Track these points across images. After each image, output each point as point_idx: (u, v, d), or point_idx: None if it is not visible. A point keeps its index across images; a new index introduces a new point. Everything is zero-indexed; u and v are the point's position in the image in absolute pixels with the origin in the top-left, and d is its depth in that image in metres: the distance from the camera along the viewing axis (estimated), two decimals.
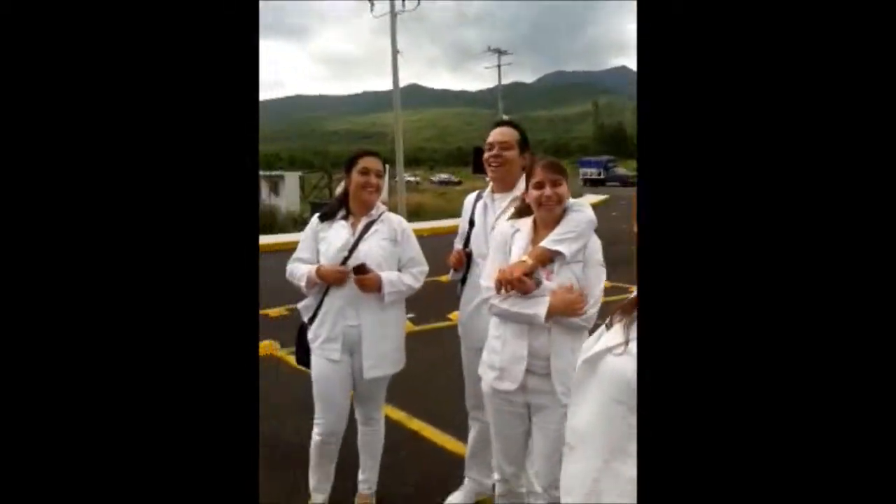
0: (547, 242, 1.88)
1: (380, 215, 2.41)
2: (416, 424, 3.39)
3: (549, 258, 1.88)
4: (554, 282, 1.86)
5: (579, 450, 1.38)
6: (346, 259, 2.31)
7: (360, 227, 2.37)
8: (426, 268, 2.45)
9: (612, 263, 2.25)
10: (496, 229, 2.11)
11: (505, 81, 33.11)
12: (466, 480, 2.58)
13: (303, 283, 2.34)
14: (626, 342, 1.15)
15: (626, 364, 1.19)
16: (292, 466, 2.76)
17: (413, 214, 15.86)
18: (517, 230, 1.99)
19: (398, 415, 3.45)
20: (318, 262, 2.37)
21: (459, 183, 40.28)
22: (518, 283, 1.83)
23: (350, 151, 2.52)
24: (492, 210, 2.35)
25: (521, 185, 2.27)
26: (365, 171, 2.34)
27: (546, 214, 1.93)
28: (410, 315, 5.16)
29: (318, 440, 2.38)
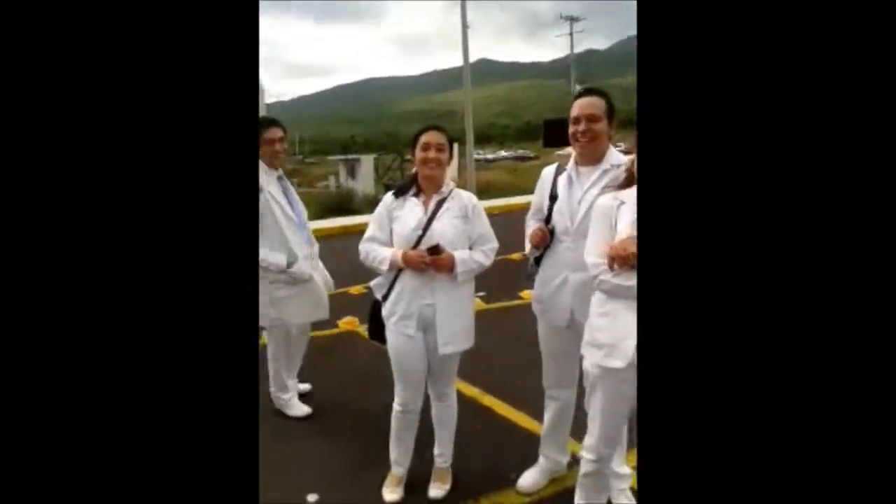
0: None
1: (450, 192, 2.42)
2: (489, 401, 3.44)
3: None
4: None
5: None
6: (420, 238, 2.35)
7: (432, 205, 2.39)
8: (496, 245, 2.45)
9: None
10: (598, 202, 2.00)
11: (577, 49, 32.02)
12: (541, 458, 2.59)
13: (384, 267, 2.38)
14: None
15: None
16: (370, 437, 2.88)
17: (482, 192, 15.79)
18: (622, 202, 1.90)
19: (472, 391, 3.51)
20: (391, 240, 2.42)
21: (536, 157, 39.17)
22: (633, 258, 1.74)
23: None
24: (578, 184, 2.25)
25: (612, 156, 2.21)
26: (425, 147, 2.36)
27: None
28: (481, 293, 5.22)
29: (399, 411, 2.48)
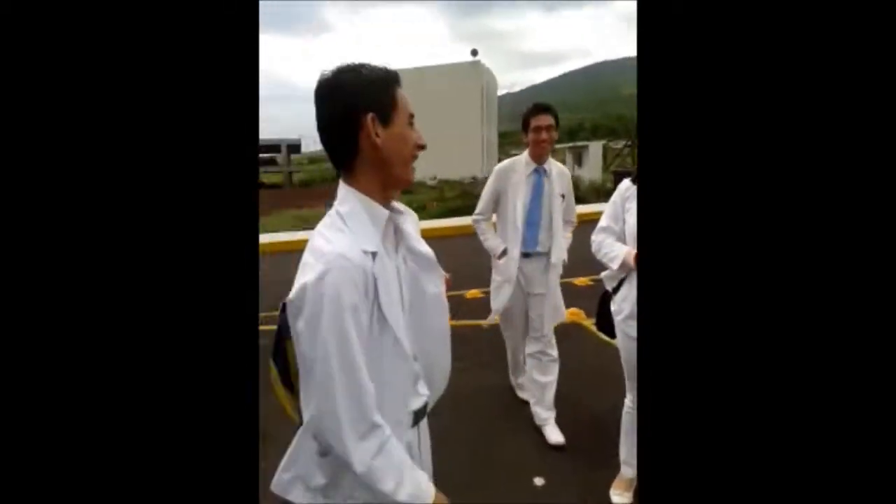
0: None
1: None
2: None
3: None
4: None
5: None
6: None
7: None
8: None
9: None
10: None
11: None
12: None
13: (614, 266, 2.22)
14: None
15: None
16: (592, 435, 2.78)
17: None
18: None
19: None
20: (623, 231, 2.25)
21: None
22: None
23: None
24: None
25: None
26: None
27: None
28: None
29: (628, 408, 2.34)
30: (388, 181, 1.09)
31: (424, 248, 1.18)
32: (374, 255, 1.03)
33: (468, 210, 8.43)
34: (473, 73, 30.98)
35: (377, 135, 1.04)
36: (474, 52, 32.09)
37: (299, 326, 0.97)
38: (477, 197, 3.16)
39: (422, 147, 1.12)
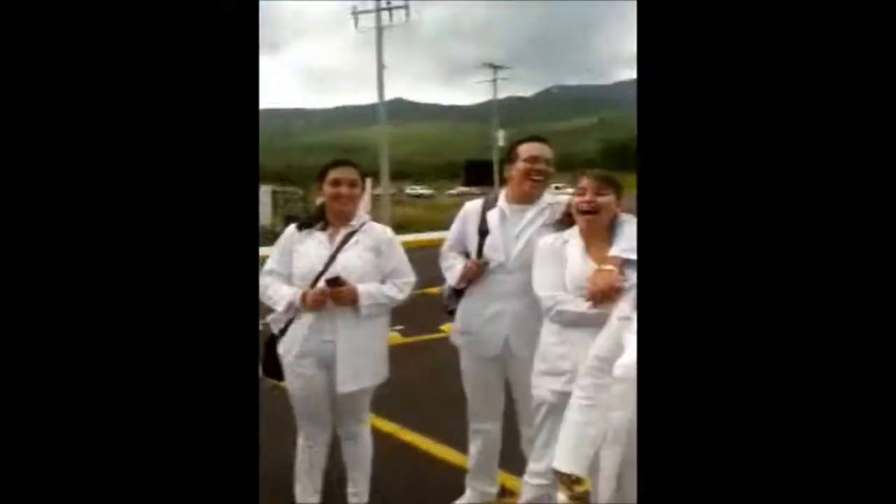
0: (617, 251, 1.97)
1: (361, 225, 2.37)
2: (410, 436, 3.38)
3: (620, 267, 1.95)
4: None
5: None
6: (321, 274, 2.24)
7: (340, 238, 2.32)
8: (412, 279, 2.42)
9: None
10: (543, 241, 2.15)
11: (501, 96, 33.29)
12: (469, 491, 2.57)
13: (280, 308, 2.26)
14: None
15: None
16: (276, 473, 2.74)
17: (399, 227, 15.89)
18: (566, 241, 2.08)
19: (390, 427, 3.44)
20: (290, 274, 2.31)
21: (432, 196, 42.21)
22: (615, 292, 1.88)
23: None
24: (511, 220, 2.35)
25: (547, 196, 2.39)
26: (335, 183, 2.30)
27: (589, 223, 2.03)
28: (399, 328, 5.18)
29: (303, 445, 2.39)
30: None
31: None
32: None
33: None
34: None
35: None
36: None
37: None
38: None
39: None
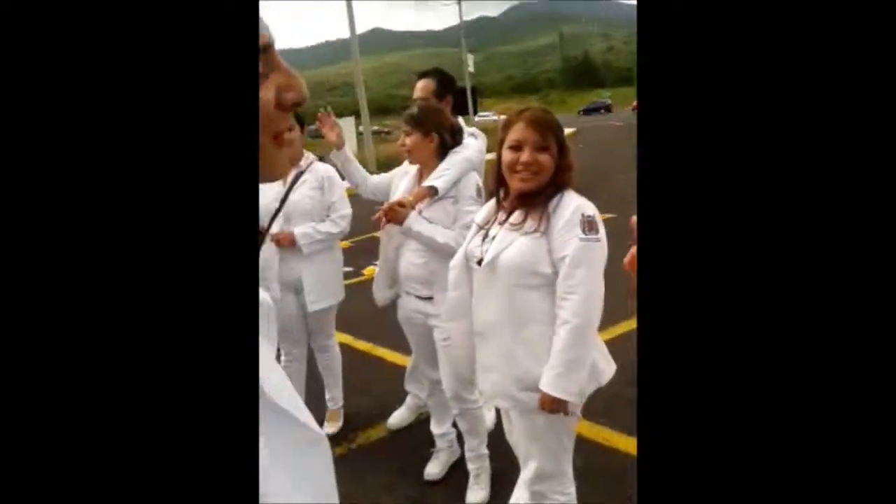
0: (427, 181, 2.17)
1: (308, 165, 2.64)
2: (381, 352, 3.80)
3: (426, 195, 2.15)
4: (425, 213, 2.16)
5: (489, 332, 1.76)
6: (278, 210, 2.49)
7: (290, 178, 2.52)
8: (348, 212, 2.70)
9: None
10: (398, 169, 2.52)
11: (470, 17, 31.90)
12: (409, 397, 2.95)
13: None
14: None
15: (533, 244, 1.65)
16: None
17: (383, 166, 15.83)
18: (406, 173, 2.38)
19: (364, 345, 3.85)
20: None
21: (389, 133, 37.69)
22: (390, 212, 2.10)
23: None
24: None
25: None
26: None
27: (410, 161, 2.32)
28: (375, 263, 5.47)
29: (283, 361, 2.78)
30: None
31: None
32: None
33: None
34: None
35: None
36: None
37: None
38: None
39: None
